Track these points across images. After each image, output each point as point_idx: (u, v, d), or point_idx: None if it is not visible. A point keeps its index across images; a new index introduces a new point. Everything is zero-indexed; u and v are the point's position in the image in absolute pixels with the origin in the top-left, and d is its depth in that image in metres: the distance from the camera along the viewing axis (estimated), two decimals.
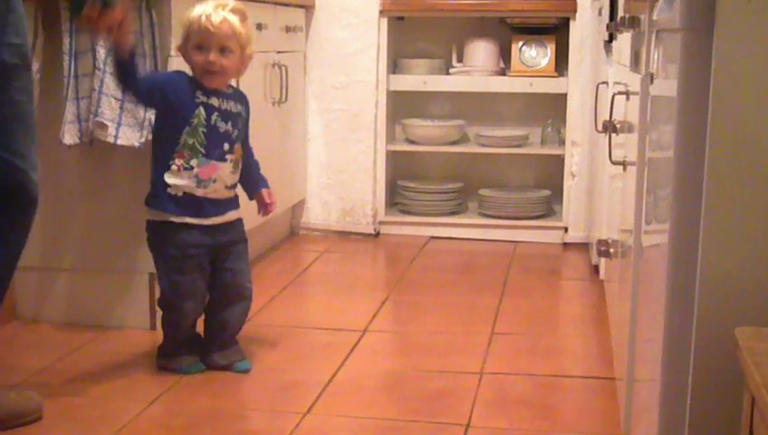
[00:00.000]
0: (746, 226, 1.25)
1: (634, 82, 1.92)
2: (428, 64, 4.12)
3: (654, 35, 1.65)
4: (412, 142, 4.17)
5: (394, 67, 4.16)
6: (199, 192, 2.34)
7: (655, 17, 1.63)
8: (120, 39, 2.17)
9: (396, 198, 4.21)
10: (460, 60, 4.11)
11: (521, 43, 4.05)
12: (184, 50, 2.37)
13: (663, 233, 1.37)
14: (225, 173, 2.37)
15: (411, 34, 4.26)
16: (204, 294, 2.44)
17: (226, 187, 2.39)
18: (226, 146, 2.36)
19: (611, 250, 2.43)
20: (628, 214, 1.97)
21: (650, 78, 1.69)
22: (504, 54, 4.10)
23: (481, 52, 4.06)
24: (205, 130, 2.32)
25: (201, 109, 2.32)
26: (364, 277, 3.56)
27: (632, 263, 1.87)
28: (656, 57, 1.63)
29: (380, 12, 3.93)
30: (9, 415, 2.11)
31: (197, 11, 2.33)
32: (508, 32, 4.10)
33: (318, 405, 2.24)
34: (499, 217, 4.00)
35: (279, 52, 3.59)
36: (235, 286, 2.45)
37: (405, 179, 4.20)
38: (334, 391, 2.33)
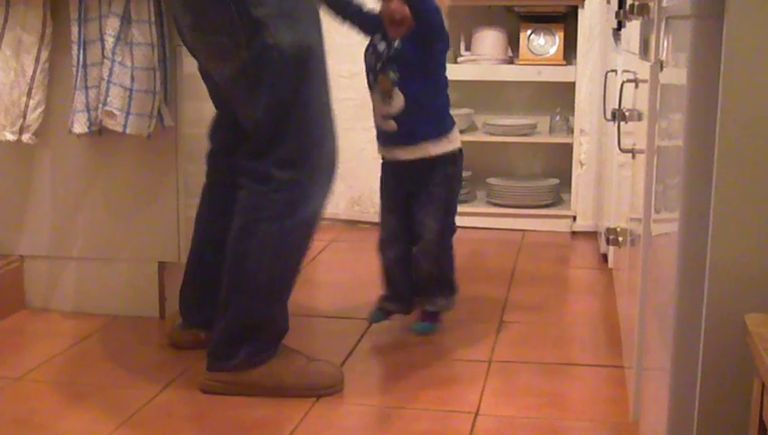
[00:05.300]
0: (756, 213, 1.25)
1: (643, 70, 1.92)
2: None
3: (664, 23, 1.65)
4: None
5: None
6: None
7: (665, 4, 1.62)
8: (395, 33, 2.57)
9: None
10: (468, 48, 4.10)
11: (529, 32, 4.04)
12: None
13: (673, 221, 1.37)
14: (375, 103, 2.62)
15: None
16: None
17: (382, 116, 2.61)
18: (371, 77, 2.61)
19: (620, 239, 2.42)
20: (638, 202, 1.97)
21: (660, 66, 1.69)
22: (513, 43, 4.09)
23: (489, 40, 4.05)
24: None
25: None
26: (372, 266, 3.55)
27: (641, 251, 1.87)
28: (665, 45, 1.63)
29: None
30: (312, 385, 2.23)
31: None
32: (516, 20, 4.09)
33: None
34: (507, 206, 4.00)
35: None
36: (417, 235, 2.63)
37: None
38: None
